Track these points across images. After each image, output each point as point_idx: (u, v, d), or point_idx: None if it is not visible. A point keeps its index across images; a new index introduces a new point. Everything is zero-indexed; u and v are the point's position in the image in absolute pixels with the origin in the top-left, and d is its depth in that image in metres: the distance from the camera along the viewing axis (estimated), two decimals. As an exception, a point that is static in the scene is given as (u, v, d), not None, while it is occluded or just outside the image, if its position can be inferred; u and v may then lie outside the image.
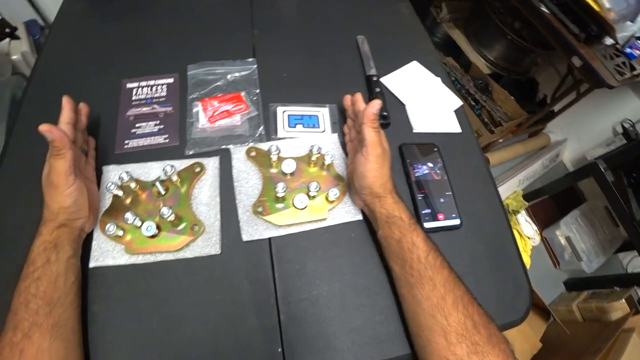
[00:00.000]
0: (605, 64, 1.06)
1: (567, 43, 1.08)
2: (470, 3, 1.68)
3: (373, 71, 0.66)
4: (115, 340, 0.42)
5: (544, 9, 1.12)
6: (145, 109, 0.58)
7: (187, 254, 0.46)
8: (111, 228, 0.44)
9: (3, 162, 0.52)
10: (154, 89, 0.60)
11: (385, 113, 0.59)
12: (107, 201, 0.49)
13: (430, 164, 0.56)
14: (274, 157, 0.51)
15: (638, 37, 1.08)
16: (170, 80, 0.61)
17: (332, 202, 0.50)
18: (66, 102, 0.46)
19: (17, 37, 1.39)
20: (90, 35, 0.68)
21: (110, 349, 0.41)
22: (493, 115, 1.57)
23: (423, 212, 0.52)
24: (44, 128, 0.39)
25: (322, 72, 0.67)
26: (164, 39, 0.68)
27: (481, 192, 0.57)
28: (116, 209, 0.48)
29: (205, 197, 0.50)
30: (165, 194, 0.49)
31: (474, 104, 1.61)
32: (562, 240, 1.55)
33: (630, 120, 1.47)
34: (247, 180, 0.52)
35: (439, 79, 0.70)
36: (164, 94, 0.60)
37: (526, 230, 1.57)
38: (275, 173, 0.52)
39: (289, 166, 0.51)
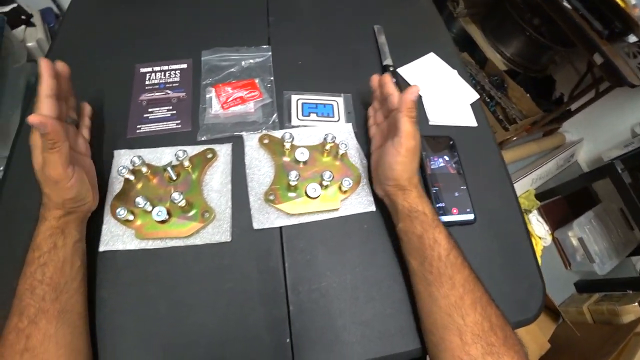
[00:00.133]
0: (627, 62, 1.03)
1: (588, 39, 1.05)
2: (489, -2, 1.64)
3: (389, 61, 0.65)
4: (123, 326, 0.42)
5: (566, 4, 1.09)
6: (158, 94, 0.57)
7: (197, 240, 0.46)
8: (122, 212, 0.43)
9: (17, 146, 0.52)
10: (167, 74, 0.60)
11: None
12: (118, 185, 0.48)
13: (447, 157, 0.55)
14: (287, 145, 0.50)
15: (663, 35, 1.05)
16: (184, 66, 0.61)
17: (345, 192, 0.49)
18: (44, 68, 0.39)
19: (33, 25, 1.40)
20: (104, 20, 0.68)
21: (118, 334, 0.41)
22: (508, 112, 1.54)
23: (437, 205, 0.51)
24: (34, 120, 0.35)
25: (338, 61, 0.65)
26: (178, 24, 0.67)
27: (497, 188, 0.56)
28: (127, 193, 0.47)
29: (216, 183, 0.50)
30: (176, 179, 0.49)
31: (488, 100, 1.58)
32: (575, 242, 1.52)
33: (650, 121, 1.43)
34: (260, 168, 0.51)
35: (455, 71, 0.68)
36: (177, 79, 0.59)
37: (537, 230, 1.54)
38: (288, 161, 0.51)
39: (302, 155, 0.50)
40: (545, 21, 1.33)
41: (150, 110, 0.56)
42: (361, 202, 0.50)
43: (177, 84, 0.59)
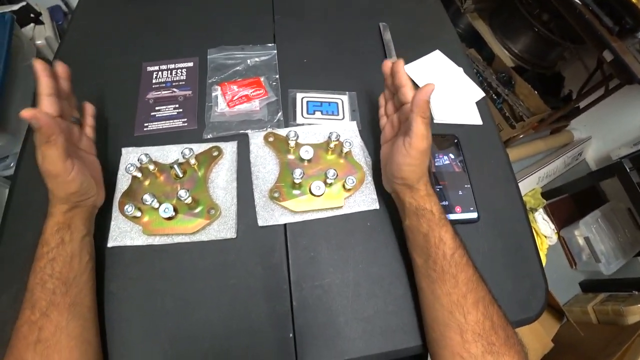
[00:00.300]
0: (638, 59, 1.01)
1: (598, 36, 1.03)
2: (497, -7, 1.63)
3: (395, 59, 0.64)
4: (131, 319, 0.43)
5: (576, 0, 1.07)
6: (164, 92, 0.58)
7: (203, 237, 0.47)
8: (129, 209, 0.44)
9: (28, 142, 0.54)
10: (173, 72, 0.60)
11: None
12: (126, 182, 0.49)
13: (452, 156, 0.55)
14: (292, 143, 0.51)
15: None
16: (190, 64, 0.61)
17: (349, 190, 0.50)
18: (40, 69, 0.38)
19: (42, 23, 1.41)
20: (112, 19, 0.69)
21: (126, 326, 0.42)
22: (515, 109, 1.53)
23: (441, 203, 0.51)
24: (27, 114, 0.34)
25: (343, 59, 0.65)
26: (184, 23, 0.68)
27: (501, 187, 0.56)
28: (135, 191, 0.48)
29: (222, 181, 0.51)
30: (183, 176, 0.50)
31: (495, 97, 1.56)
32: (581, 241, 1.50)
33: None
34: (265, 166, 0.52)
35: (461, 69, 0.68)
36: (183, 77, 0.60)
37: (543, 229, 1.53)
38: (292, 159, 0.52)
39: (307, 152, 0.50)
40: (554, 17, 1.31)
41: (157, 108, 0.57)
42: (365, 200, 0.50)
43: (183, 82, 0.59)
